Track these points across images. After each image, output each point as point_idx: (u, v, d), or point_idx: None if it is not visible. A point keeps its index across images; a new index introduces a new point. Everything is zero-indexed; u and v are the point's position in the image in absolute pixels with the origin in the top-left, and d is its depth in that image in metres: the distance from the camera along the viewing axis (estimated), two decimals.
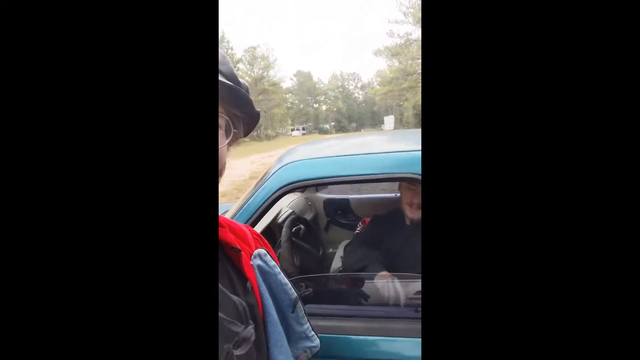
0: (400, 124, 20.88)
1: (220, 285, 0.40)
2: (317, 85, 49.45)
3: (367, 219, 1.48)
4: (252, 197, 0.98)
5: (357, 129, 44.55)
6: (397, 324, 0.86)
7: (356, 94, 51.24)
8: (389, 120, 27.45)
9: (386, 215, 1.30)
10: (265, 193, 0.97)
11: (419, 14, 15.71)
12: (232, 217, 0.98)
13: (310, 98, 49.19)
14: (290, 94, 45.68)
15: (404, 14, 16.99)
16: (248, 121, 0.45)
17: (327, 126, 48.06)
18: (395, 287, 0.96)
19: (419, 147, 0.95)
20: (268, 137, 28.40)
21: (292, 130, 42.71)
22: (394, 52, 19.24)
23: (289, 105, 44.75)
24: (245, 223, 0.95)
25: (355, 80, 51.25)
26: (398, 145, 1.09)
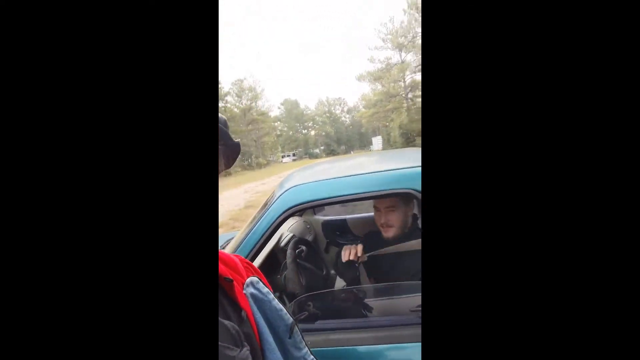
0: (388, 143, 21.40)
1: None
2: (304, 112, 50.57)
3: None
4: (258, 223, 1.05)
5: (346, 151, 45.23)
6: (402, 330, 0.92)
7: (343, 118, 52.46)
8: (377, 141, 28.12)
9: (377, 232, 1.37)
10: (270, 217, 1.04)
11: (397, 39, 16.60)
12: (239, 244, 1.04)
13: (298, 125, 50.11)
14: (279, 122, 46.49)
15: (383, 40, 17.89)
16: (228, 153, 0.47)
17: (317, 151, 48.65)
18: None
19: (407, 164, 1.04)
20: (259, 165, 28.56)
21: (283, 157, 43.17)
22: (376, 77, 20.08)
23: (279, 133, 45.41)
24: (253, 247, 1.02)
25: (341, 105, 52.71)
26: (388, 165, 1.19)
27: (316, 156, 44.19)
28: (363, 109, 28.23)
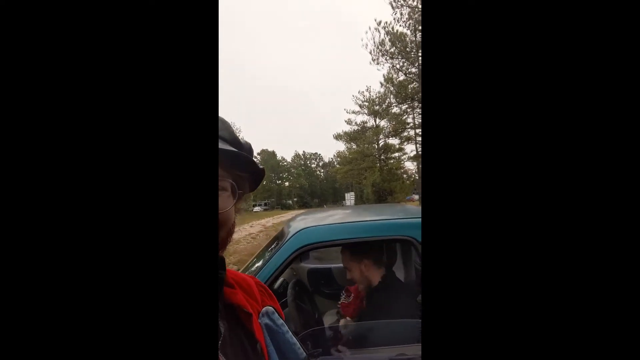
0: (360, 199, 22.11)
1: (228, 350, 0.42)
2: (280, 164, 51.60)
3: (351, 287, 1.64)
4: (272, 258, 1.17)
5: (319, 205, 45.60)
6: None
7: (318, 172, 54.00)
8: (350, 197, 29.04)
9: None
10: (284, 254, 1.16)
11: (373, 107, 18.27)
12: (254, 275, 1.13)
13: (273, 175, 50.64)
14: None
15: (360, 106, 19.56)
16: (253, 179, 0.47)
17: (290, 202, 48.67)
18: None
19: (404, 216, 1.24)
20: None
21: (254, 205, 42.63)
22: (352, 137, 21.48)
23: None
24: (266, 281, 1.11)
25: (317, 160, 54.60)
26: (386, 215, 1.38)
27: (289, 207, 44.12)
28: (338, 165, 29.39)
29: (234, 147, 0.42)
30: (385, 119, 18.26)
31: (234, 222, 0.44)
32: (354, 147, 22.32)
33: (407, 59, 12.13)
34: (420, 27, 10.89)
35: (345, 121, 21.19)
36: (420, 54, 11.69)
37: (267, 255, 1.23)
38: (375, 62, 12.44)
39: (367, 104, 19.06)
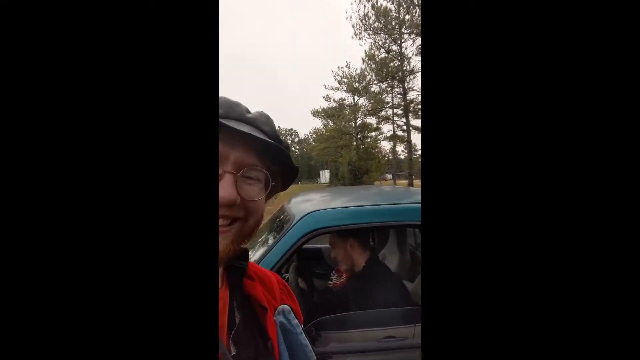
0: (335, 178, 22.25)
1: (240, 341, 0.42)
2: None
3: (340, 268, 1.63)
4: (278, 244, 1.09)
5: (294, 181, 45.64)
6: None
7: (293, 148, 53.41)
8: (325, 174, 29.14)
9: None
10: (291, 239, 1.09)
11: (352, 84, 17.98)
12: (258, 262, 1.06)
13: None
14: None
15: (339, 82, 19.17)
16: (286, 175, 0.48)
17: None
18: None
19: (411, 201, 1.20)
20: None
21: None
22: (329, 114, 21.19)
23: None
24: (273, 267, 1.04)
25: (293, 136, 53.79)
26: (391, 198, 1.33)
27: None
28: (313, 142, 29.14)
29: (273, 141, 0.42)
30: (364, 97, 18.12)
31: (263, 214, 0.44)
32: (331, 124, 22.12)
33: (390, 36, 11.90)
34: (403, 4, 10.61)
35: (324, 97, 20.79)
36: (403, 31, 11.48)
37: (271, 240, 1.15)
38: (358, 37, 12.10)
39: (346, 80, 18.72)
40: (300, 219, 1.12)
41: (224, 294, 0.45)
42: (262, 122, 0.43)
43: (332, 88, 19.99)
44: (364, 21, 11.60)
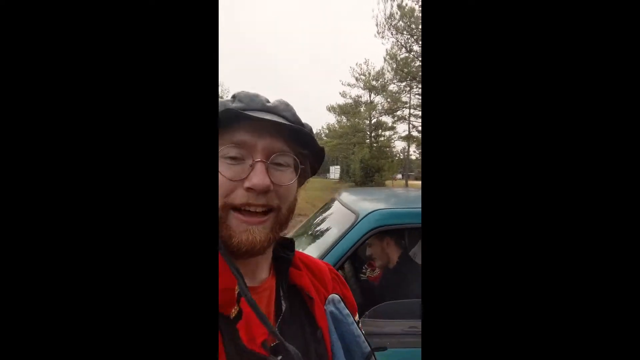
0: (347, 175, 22.31)
1: (287, 328, 0.43)
2: None
3: (374, 263, 1.71)
4: (344, 239, 1.18)
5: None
6: None
7: None
8: (335, 170, 29.20)
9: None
10: (358, 234, 1.17)
11: (370, 82, 17.93)
12: (322, 256, 1.15)
13: None
14: None
15: (356, 79, 19.13)
16: (313, 158, 0.48)
17: None
18: None
19: None
20: None
21: None
22: (344, 111, 21.19)
23: None
24: (338, 261, 1.13)
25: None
26: None
27: None
28: (325, 138, 29.17)
29: (294, 124, 0.43)
30: (380, 95, 18.03)
31: (296, 198, 0.46)
32: (344, 120, 22.10)
33: (412, 36, 11.82)
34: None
35: (340, 93, 20.76)
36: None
37: (332, 237, 1.24)
38: (381, 35, 12.05)
39: (363, 77, 18.67)
40: (365, 216, 1.20)
41: (270, 283, 0.47)
42: (282, 109, 0.44)
43: (349, 84, 19.95)
44: (388, 20, 11.54)
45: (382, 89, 16.36)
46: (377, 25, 11.95)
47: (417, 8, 11.22)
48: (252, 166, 0.40)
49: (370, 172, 17.20)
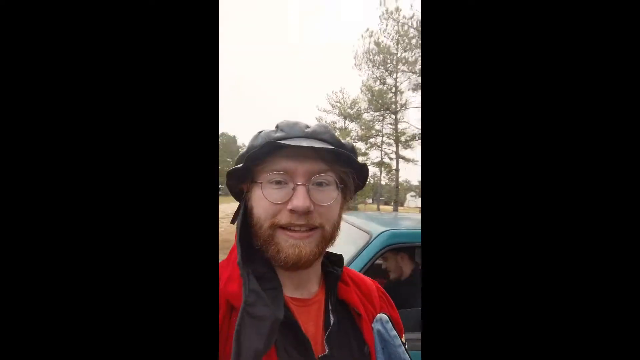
0: None
1: (334, 342, 0.44)
2: (239, 150, 50.11)
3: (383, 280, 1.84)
4: (360, 255, 1.33)
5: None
6: None
7: None
8: None
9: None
10: (373, 251, 1.33)
11: (345, 109, 18.69)
12: None
13: (229, 160, 49.07)
14: None
15: (332, 106, 19.84)
16: (357, 175, 0.50)
17: None
18: None
19: None
20: None
21: None
22: None
23: None
24: None
25: None
26: None
27: None
28: None
29: (334, 146, 0.46)
30: (355, 122, 18.79)
31: (340, 216, 0.49)
32: None
33: (386, 70, 12.71)
34: (400, 41, 11.45)
35: (316, 119, 21.33)
36: (398, 67, 12.30)
37: (348, 254, 1.38)
38: (358, 67, 12.85)
39: (339, 104, 19.43)
40: (378, 235, 1.36)
41: (320, 296, 0.49)
42: (321, 132, 0.47)
43: (324, 110, 20.60)
44: (365, 54, 12.39)
45: (356, 117, 17.12)
46: (355, 57, 12.76)
47: (393, 45, 12.16)
48: (294, 189, 0.44)
49: None
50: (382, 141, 17.61)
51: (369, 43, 12.15)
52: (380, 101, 13.34)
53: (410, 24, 10.68)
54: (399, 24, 11.10)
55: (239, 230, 0.46)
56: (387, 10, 10.75)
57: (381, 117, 15.17)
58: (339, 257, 0.54)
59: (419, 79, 11.92)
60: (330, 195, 0.45)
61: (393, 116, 14.03)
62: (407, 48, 11.47)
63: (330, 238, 0.47)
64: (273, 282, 0.45)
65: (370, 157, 20.72)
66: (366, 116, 15.87)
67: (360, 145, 19.87)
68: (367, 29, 12.14)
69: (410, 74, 12.00)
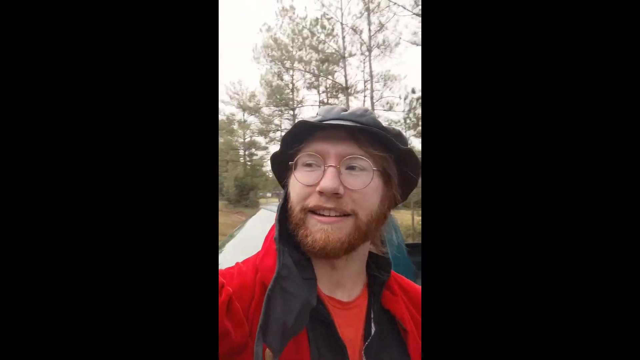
0: (219, 193, 21.66)
1: (373, 354, 0.42)
2: None
3: None
4: None
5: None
6: None
7: None
8: None
9: None
10: None
11: (245, 102, 18.37)
12: None
13: None
14: None
15: (230, 97, 19.23)
16: (403, 163, 0.46)
17: None
18: None
19: None
20: None
21: None
22: (219, 127, 20.75)
23: None
24: None
25: None
26: None
27: None
28: None
29: (366, 126, 0.43)
30: (254, 115, 18.72)
31: (382, 209, 0.45)
32: (220, 138, 21.60)
33: (283, 66, 13.17)
34: (296, 39, 12.08)
35: None
36: (295, 66, 12.92)
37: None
38: (257, 60, 12.89)
39: (237, 96, 18.99)
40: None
41: (362, 301, 0.46)
42: (359, 114, 0.43)
43: (222, 101, 19.77)
44: (264, 49, 12.52)
45: (255, 110, 17.11)
46: (253, 51, 12.76)
47: (289, 42, 12.63)
48: (324, 171, 0.42)
49: (244, 189, 17.38)
50: (282, 136, 18.04)
51: (267, 38, 12.34)
52: (278, 96, 13.73)
53: (304, 24, 11.34)
54: (294, 22, 11.64)
55: (278, 213, 0.46)
56: (282, 8, 11.12)
57: (280, 112, 15.61)
58: (387, 261, 0.49)
59: (313, 79, 12.82)
60: (363, 180, 0.42)
61: (291, 112, 14.65)
62: (302, 47, 12.14)
63: (366, 231, 0.44)
64: (308, 272, 0.43)
65: (271, 151, 20.99)
66: (265, 110, 16.06)
67: (260, 140, 19.96)
68: (264, 23, 12.28)
69: (305, 72, 12.78)
